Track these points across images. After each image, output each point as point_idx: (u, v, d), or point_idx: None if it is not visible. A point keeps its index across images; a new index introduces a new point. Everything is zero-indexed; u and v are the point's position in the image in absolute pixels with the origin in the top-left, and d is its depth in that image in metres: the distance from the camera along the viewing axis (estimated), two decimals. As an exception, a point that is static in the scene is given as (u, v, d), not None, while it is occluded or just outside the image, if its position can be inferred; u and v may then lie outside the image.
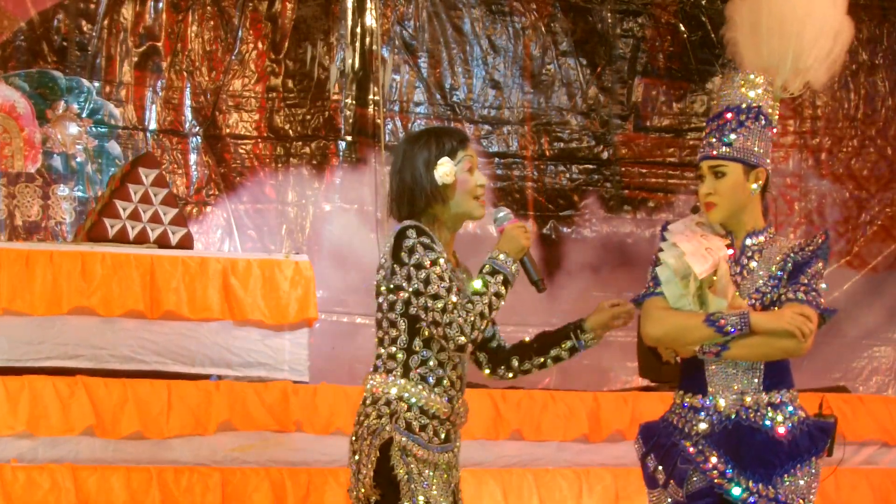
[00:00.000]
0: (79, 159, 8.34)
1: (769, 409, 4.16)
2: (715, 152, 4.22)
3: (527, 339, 4.39)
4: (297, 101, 8.79)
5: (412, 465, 4.05)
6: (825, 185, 9.62)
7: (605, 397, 6.81)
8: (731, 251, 4.22)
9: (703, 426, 4.16)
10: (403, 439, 4.05)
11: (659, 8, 9.47)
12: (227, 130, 8.65)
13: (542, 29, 9.28)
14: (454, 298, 4.00)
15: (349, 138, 8.83)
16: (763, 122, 4.24)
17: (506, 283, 4.06)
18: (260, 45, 8.76)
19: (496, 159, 9.14)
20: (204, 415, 6.13)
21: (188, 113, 8.59)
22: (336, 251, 8.41)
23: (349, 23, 8.91)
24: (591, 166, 9.29)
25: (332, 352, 8.21)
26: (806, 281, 4.21)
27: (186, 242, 6.95)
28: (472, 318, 4.00)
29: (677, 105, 9.52)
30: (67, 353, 6.28)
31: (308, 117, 8.80)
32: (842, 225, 9.63)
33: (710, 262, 4.14)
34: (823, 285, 4.25)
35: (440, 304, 4.00)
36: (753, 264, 4.24)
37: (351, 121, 8.84)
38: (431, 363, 4.10)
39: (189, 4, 8.61)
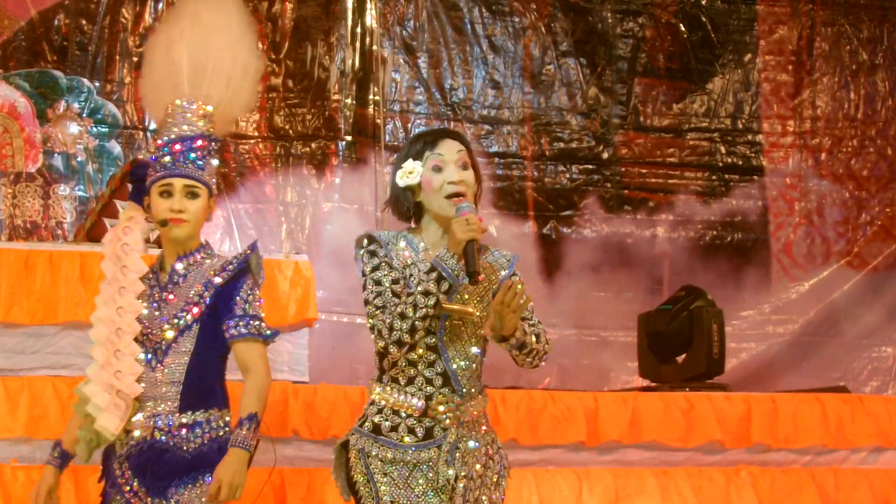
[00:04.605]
0: (79, 159, 8.34)
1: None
2: (191, 174, 4.42)
3: None
4: (297, 101, 8.79)
5: (373, 467, 4.07)
6: (825, 185, 9.61)
7: (605, 397, 6.80)
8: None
9: None
10: (361, 441, 4.09)
11: (659, 8, 9.47)
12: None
13: (542, 29, 9.28)
14: (379, 302, 4.02)
15: (349, 138, 8.83)
16: (213, 150, 4.51)
17: (440, 279, 4.01)
18: (260, 45, 8.75)
19: (496, 159, 9.13)
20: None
21: (188, 113, 8.58)
22: (336, 251, 8.40)
23: (349, 23, 8.91)
24: (591, 166, 9.28)
25: (332, 352, 8.20)
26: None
27: (186, 242, 6.92)
28: (391, 321, 4.00)
29: (677, 105, 9.51)
30: (60, 363, 6.25)
31: (308, 117, 8.80)
32: (842, 225, 9.62)
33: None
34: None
35: (368, 310, 4.06)
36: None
37: (351, 121, 8.84)
38: (401, 363, 4.10)
39: (189, 4, 8.61)
